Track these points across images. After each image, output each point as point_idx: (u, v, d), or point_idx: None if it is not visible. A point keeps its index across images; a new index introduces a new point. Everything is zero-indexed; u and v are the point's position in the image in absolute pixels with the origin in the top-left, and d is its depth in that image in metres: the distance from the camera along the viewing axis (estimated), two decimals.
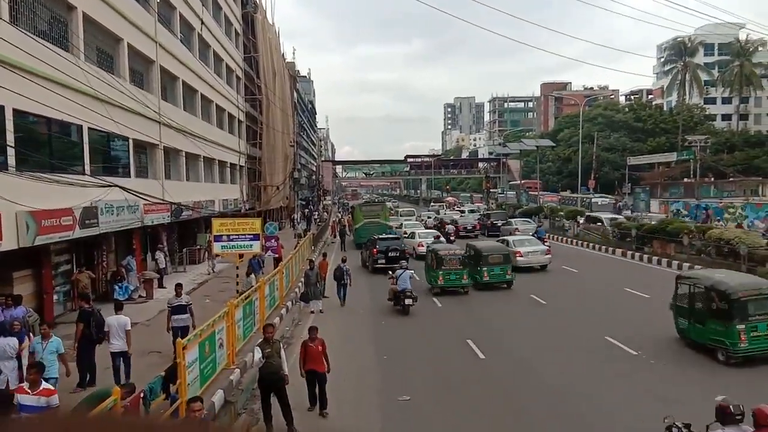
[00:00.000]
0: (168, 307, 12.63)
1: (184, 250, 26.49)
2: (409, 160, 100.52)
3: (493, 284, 20.29)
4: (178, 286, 13.10)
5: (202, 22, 23.92)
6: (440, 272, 19.62)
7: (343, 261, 19.04)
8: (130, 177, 19.32)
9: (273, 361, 8.71)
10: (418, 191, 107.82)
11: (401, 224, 36.86)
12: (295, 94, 65.49)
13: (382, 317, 16.74)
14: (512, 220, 37.68)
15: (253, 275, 15.61)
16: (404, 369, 11.96)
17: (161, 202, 17.90)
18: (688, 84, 65.98)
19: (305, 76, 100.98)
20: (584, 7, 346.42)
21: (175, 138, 23.83)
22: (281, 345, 9.19)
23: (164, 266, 21.43)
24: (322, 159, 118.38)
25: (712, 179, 55.22)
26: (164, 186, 22.64)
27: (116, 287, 18.79)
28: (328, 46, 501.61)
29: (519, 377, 11.30)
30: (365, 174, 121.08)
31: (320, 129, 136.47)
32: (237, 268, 15.94)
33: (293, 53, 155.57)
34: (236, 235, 15.08)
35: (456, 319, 15.83)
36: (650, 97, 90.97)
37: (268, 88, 42.27)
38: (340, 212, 70.99)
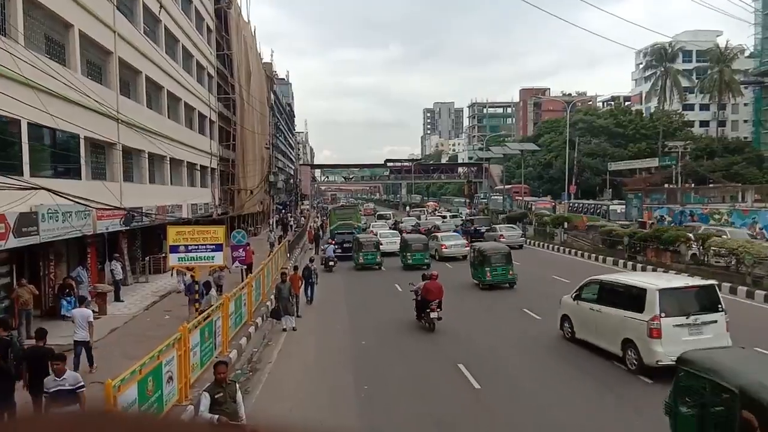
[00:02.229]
0: (44, 394, 7.70)
1: (147, 258, 24.46)
2: (389, 164, 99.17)
3: (415, 265, 25.77)
4: (57, 359, 7.69)
5: (161, 6, 22.02)
6: (361, 254, 27.28)
7: (311, 261, 21.50)
8: (80, 179, 17.35)
9: (226, 408, 6.97)
10: (398, 196, 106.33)
11: (369, 225, 43.59)
12: (272, 96, 63.53)
13: (362, 334, 15.07)
14: (496, 226, 36.35)
15: (213, 291, 13.78)
16: (388, 403, 10.30)
17: (107, 207, 15.98)
18: (669, 90, 65.76)
19: (283, 79, 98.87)
20: (561, 14, 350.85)
21: (137, 137, 21.89)
22: (237, 387, 7.44)
23: (121, 277, 19.45)
24: (301, 162, 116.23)
25: (693, 185, 54.86)
26: (122, 189, 20.69)
27: (64, 302, 16.86)
28: (307, 51, 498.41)
29: (520, 414, 9.76)
30: (344, 178, 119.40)
31: (299, 132, 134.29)
32: (196, 283, 14.11)
33: (271, 55, 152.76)
34: (195, 245, 13.23)
35: (445, 341, 14.26)
36: (627, 103, 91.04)
37: (243, 87, 40.35)
38: (318, 217, 69.11)
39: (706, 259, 20.09)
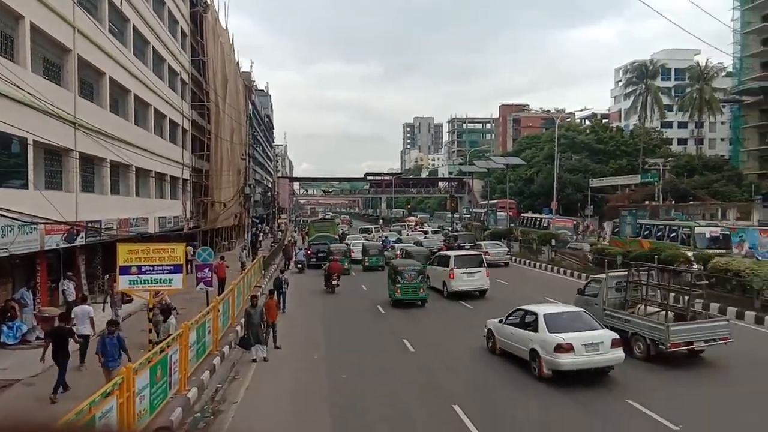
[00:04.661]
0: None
1: (107, 276, 22.42)
2: (369, 177, 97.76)
3: (372, 267, 32.37)
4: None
5: None
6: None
7: (281, 272, 24.41)
8: (26, 189, 15.47)
9: None
10: (378, 210, 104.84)
11: (346, 236, 47.04)
12: (250, 105, 61.78)
13: (342, 367, 13.42)
14: (481, 243, 35.05)
15: (172, 319, 12.01)
16: None
17: (46, 222, 14.14)
18: (650, 106, 65.82)
19: (262, 90, 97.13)
20: (535, 32, 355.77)
21: (98, 144, 20.05)
22: None
23: (74, 298, 17.46)
24: (279, 175, 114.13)
25: (673, 202, 54.53)
26: (79, 200, 18.83)
27: (4, 327, 14.93)
28: (287, 65, 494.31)
29: None
30: (323, 191, 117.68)
31: (278, 145, 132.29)
32: (150, 310, 12.31)
33: (251, 65, 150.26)
34: (150, 265, 11.46)
35: (433, 371, 12.67)
36: (605, 120, 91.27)
37: (218, 95, 38.61)
38: (296, 232, 67.27)
39: (709, 282, 18.90)
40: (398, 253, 33.61)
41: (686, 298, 13.93)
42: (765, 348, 14.13)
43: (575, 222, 44.24)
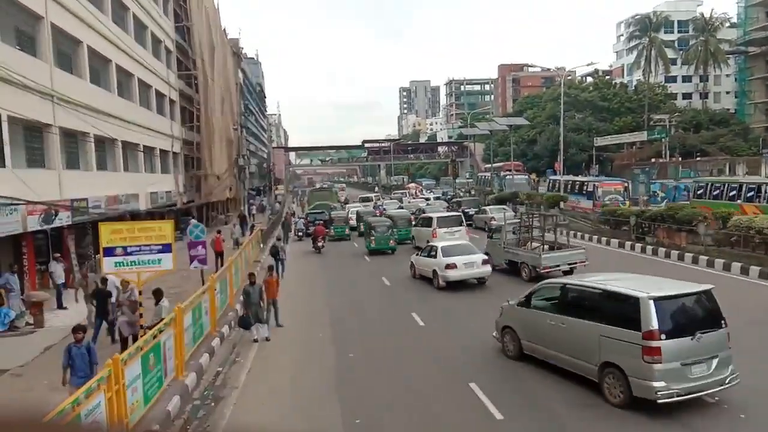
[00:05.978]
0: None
1: (98, 255, 21.54)
2: (366, 145, 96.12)
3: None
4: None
5: None
6: (332, 227, 32.22)
7: (278, 239, 24.86)
8: (3, 166, 14.43)
9: None
10: (377, 177, 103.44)
11: (344, 205, 47.99)
12: (240, 74, 59.96)
13: (349, 342, 12.64)
14: (486, 208, 34.07)
15: (165, 301, 11.10)
16: None
17: (22, 203, 13.14)
18: (654, 60, 63.80)
19: (252, 58, 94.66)
20: None
21: (79, 118, 18.88)
22: None
23: (63, 281, 16.63)
24: (274, 145, 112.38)
25: (680, 159, 53.32)
26: (62, 178, 17.81)
27: None
28: (277, 32, 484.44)
29: None
30: (321, 161, 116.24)
31: (271, 115, 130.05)
32: (140, 293, 11.40)
33: (239, 33, 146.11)
34: (136, 246, 10.50)
35: (453, 355, 11.86)
36: (607, 77, 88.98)
37: (205, 63, 37.07)
38: (294, 202, 66.36)
39: (729, 240, 18.05)
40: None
41: (562, 234, 19.09)
42: None
43: (625, 185, 36.10)
